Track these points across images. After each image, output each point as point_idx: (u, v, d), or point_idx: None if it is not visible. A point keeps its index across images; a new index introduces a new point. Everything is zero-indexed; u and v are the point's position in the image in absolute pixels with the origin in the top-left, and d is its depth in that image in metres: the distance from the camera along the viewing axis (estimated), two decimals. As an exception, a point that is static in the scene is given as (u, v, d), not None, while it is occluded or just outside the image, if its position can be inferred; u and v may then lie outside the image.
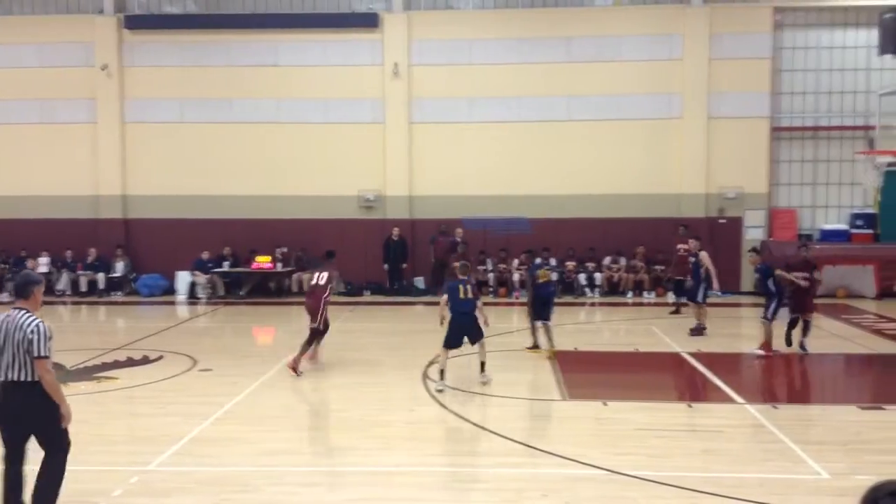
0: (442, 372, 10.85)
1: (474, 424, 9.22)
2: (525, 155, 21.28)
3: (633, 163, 21.02)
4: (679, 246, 17.08)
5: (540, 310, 13.01)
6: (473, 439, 8.79)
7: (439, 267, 19.91)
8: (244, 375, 11.67)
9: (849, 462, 8.00)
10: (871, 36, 19.31)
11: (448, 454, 8.23)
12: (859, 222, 20.82)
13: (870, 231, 20.66)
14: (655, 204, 20.90)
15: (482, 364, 11.23)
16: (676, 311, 17.20)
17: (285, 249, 21.26)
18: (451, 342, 10.99)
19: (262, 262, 20.80)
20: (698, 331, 14.80)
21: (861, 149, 19.13)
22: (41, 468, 6.05)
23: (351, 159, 21.54)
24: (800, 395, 11.51)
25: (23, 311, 5.96)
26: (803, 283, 12.92)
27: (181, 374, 11.90)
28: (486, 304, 19.21)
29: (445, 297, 11.15)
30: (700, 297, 14.93)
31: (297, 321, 18.21)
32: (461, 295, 10.98)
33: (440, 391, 10.63)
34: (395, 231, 20.82)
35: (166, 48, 21.82)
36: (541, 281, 13.13)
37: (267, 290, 20.95)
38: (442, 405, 10.07)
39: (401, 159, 21.49)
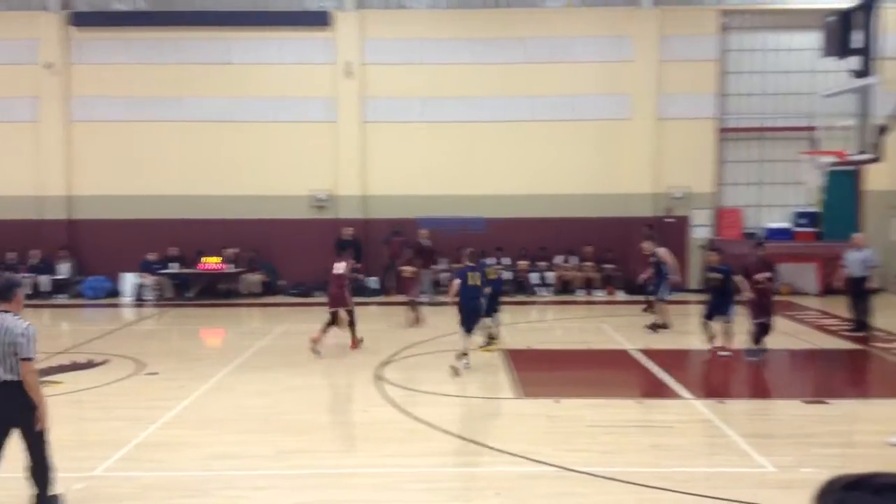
0: (464, 354, 11.78)
1: (428, 424, 9.22)
2: (479, 155, 21.36)
3: (584, 163, 21.23)
4: (643, 244, 17.25)
5: (486, 305, 12.98)
6: (427, 439, 8.79)
7: (393, 267, 19.85)
8: (193, 379, 11.49)
9: (793, 455, 8.18)
10: (815, 39, 19.73)
11: (402, 455, 8.21)
12: (802, 221, 21.33)
13: (813, 229, 21.18)
14: (606, 203, 21.15)
15: (490, 335, 12.93)
16: (649, 308, 17.19)
17: (237, 250, 20.99)
18: (467, 325, 12.01)
19: (211, 263, 20.51)
20: (656, 327, 15.07)
21: (804, 149, 19.54)
22: (30, 462, 6.43)
23: (303, 158, 21.38)
24: (746, 390, 11.74)
25: (9, 314, 6.30)
26: (767, 283, 12.51)
27: (127, 378, 11.67)
28: (441, 303, 19.28)
29: (458, 282, 12.02)
30: (661, 294, 15.20)
31: (248, 323, 18.08)
32: (470, 282, 11.99)
33: (467, 367, 11.69)
34: (348, 231, 20.68)
35: (115, 45, 21.37)
36: (490, 277, 13.15)
37: (216, 291, 20.66)
38: (395, 406, 10.05)
39: (353, 159, 21.40)
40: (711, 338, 12.98)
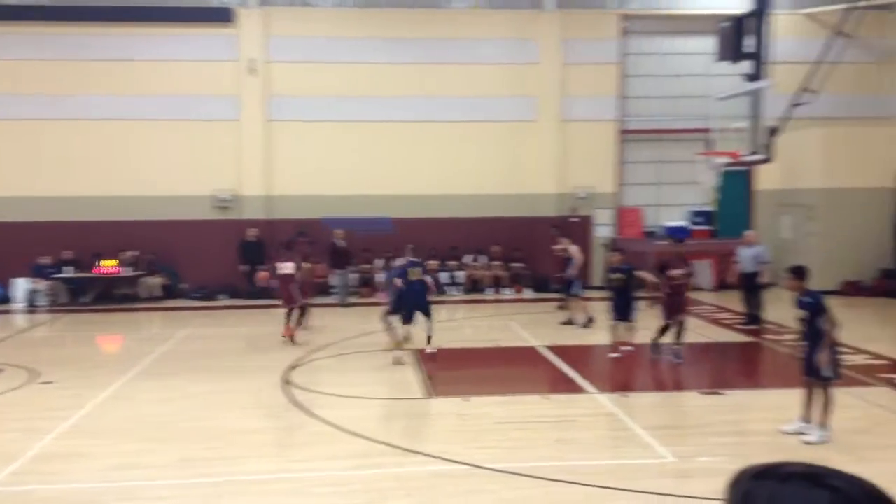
0: (405, 341, 12.61)
1: (337, 427, 9.13)
2: (387, 155, 21.30)
3: (491, 163, 21.46)
4: (554, 247, 17.31)
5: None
6: (335, 442, 8.70)
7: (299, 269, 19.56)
8: (90, 387, 11.05)
9: (691, 445, 8.49)
10: (710, 43, 20.52)
11: (309, 459, 8.10)
12: (698, 219, 22.16)
13: (708, 227, 22.03)
14: (513, 203, 21.44)
15: (429, 338, 12.97)
16: (563, 307, 17.42)
17: (136, 253, 20.28)
18: (406, 318, 12.77)
19: (108, 266, 19.78)
20: (575, 323, 15.54)
21: (700, 150, 20.29)
22: None
23: (205, 158, 20.85)
24: (647, 383, 12.09)
25: None
26: (683, 279, 12.39)
27: (20, 388, 11.13)
28: (353, 304, 19.13)
29: (399, 280, 12.82)
30: (576, 290, 15.80)
31: (147, 328, 17.52)
32: (411, 276, 12.76)
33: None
34: (252, 232, 20.30)
35: (7, 40, 20.32)
36: (411, 279, 13.17)
37: (114, 296, 19.92)
38: (303, 409, 9.92)
39: (257, 158, 21.00)
40: (617, 338, 13.11)
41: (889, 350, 13.29)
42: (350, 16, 21.33)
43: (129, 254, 20.19)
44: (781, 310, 16.65)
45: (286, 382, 11.33)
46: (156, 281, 20.37)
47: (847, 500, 1.06)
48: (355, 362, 12.65)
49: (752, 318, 15.75)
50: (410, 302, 12.83)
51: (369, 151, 21.25)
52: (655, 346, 12.67)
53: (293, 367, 12.29)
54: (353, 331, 14.76)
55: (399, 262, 20.40)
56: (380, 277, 19.95)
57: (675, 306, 12.39)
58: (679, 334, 12.46)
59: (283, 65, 21.02)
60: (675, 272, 12.36)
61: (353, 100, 21.17)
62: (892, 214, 19.98)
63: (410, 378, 11.64)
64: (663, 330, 12.59)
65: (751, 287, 15.70)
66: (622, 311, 12.81)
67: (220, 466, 7.87)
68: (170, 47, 20.69)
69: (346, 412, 9.82)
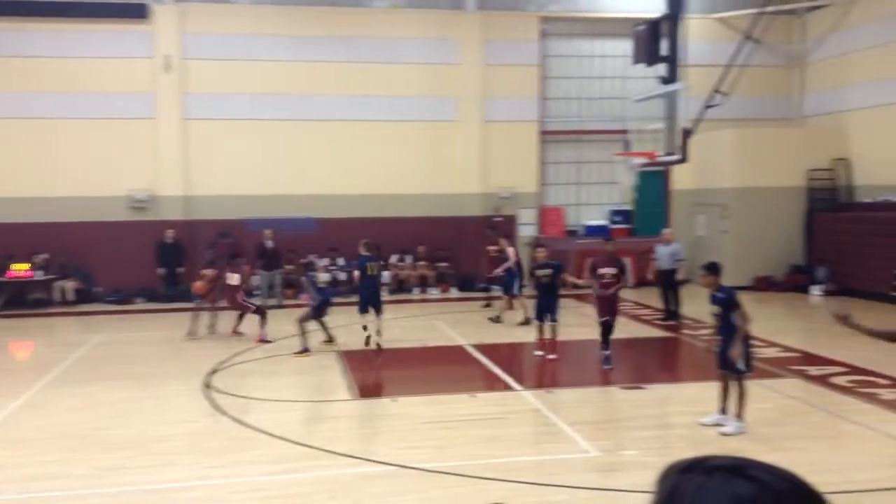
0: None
1: (260, 431, 8.99)
2: (309, 154, 21.05)
3: (415, 163, 21.45)
4: (490, 248, 17.53)
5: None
6: (260, 447, 8.56)
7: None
8: (2, 395, 10.59)
9: (615, 439, 8.68)
10: (627, 46, 20.99)
11: (233, 464, 7.95)
12: (617, 218, 22.64)
13: (627, 226, 22.53)
14: (438, 203, 21.47)
15: (378, 331, 13.37)
16: (488, 305, 17.79)
17: (47, 256, 19.52)
18: (361, 309, 13.43)
19: (19, 270, 18.99)
20: (521, 321, 15.53)
21: (618, 151, 20.73)
22: None
23: (120, 157, 20.19)
24: (570, 379, 12.26)
25: None
26: (612, 279, 12.13)
27: (-78, 399, 10.59)
28: (271, 307, 18.85)
29: (357, 273, 13.34)
30: (515, 290, 16.02)
31: (61, 334, 16.91)
32: (369, 272, 13.22)
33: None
34: (170, 233, 19.78)
35: None
36: (370, 273, 13.50)
37: (25, 301, 19.13)
38: (225, 414, 9.73)
39: (174, 157, 20.46)
40: (542, 336, 13.00)
41: (799, 342, 13.86)
42: (268, 13, 20.96)
43: (41, 257, 19.43)
44: (698, 305, 17.20)
45: (207, 387, 11.09)
46: (69, 284, 19.66)
47: (769, 492, 1.09)
48: (280, 365, 12.47)
49: (670, 314, 16.18)
50: (366, 296, 13.42)
51: (291, 151, 20.97)
52: (604, 358, 12.17)
53: (214, 372, 12.04)
54: (278, 333, 14.54)
55: (323, 262, 20.32)
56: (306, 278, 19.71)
57: (605, 306, 12.18)
58: (605, 336, 12.19)
59: (199, 62, 20.53)
60: (605, 271, 12.08)
61: (272, 98, 20.86)
62: (801, 212, 20.81)
63: (337, 380, 11.53)
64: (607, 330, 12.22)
65: (668, 284, 16.15)
66: (548, 309, 12.75)
67: (138, 475, 7.66)
68: (82, 44, 19.96)
69: (270, 416, 9.67)
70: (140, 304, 19.69)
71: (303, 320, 13.19)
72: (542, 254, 13.10)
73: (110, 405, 10.27)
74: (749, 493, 1.09)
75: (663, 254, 16.20)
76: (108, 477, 7.60)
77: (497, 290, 17.10)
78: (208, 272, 15.24)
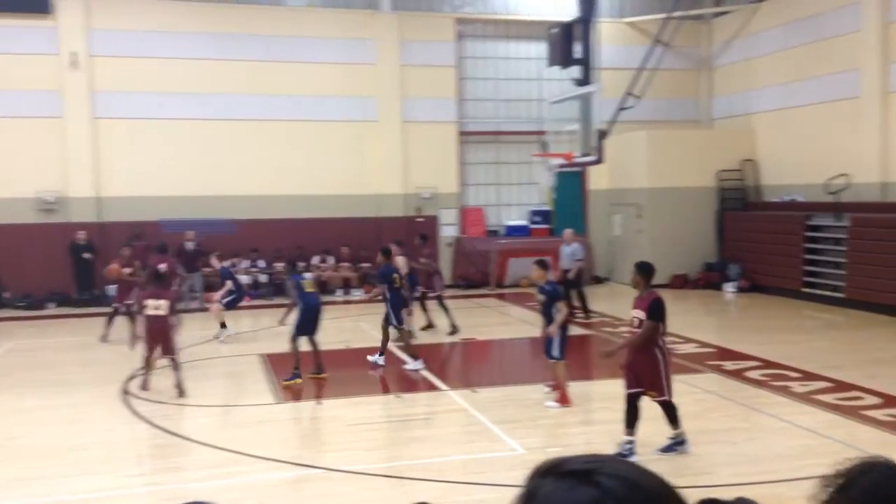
0: (298, 363, 11.11)
1: (183, 437, 8.79)
2: (226, 154, 20.61)
3: (334, 164, 21.27)
4: (421, 260, 15.58)
5: (309, 325, 11.51)
6: (182, 453, 8.38)
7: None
8: None
9: (540, 436, 8.83)
10: (542, 48, 21.33)
11: (153, 472, 7.76)
12: (537, 218, 22.96)
13: (546, 226, 22.88)
14: (358, 204, 21.35)
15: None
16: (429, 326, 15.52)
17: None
18: (304, 330, 11.35)
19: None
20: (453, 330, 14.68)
21: (536, 152, 21.02)
22: None
23: (25, 157, 19.33)
24: (495, 378, 12.41)
25: None
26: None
27: None
28: (192, 311, 18.43)
29: (296, 291, 11.44)
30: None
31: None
32: (308, 288, 11.52)
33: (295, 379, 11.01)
34: (82, 235, 19.09)
35: None
36: (308, 290, 11.65)
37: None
38: (146, 421, 9.46)
39: (84, 157, 19.74)
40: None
41: (714, 338, 14.36)
42: (180, 9, 20.39)
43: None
44: (619, 303, 17.63)
45: (125, 393, 10.77)
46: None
47: (610, 498, 1.09)
48: (201, 370, 12.20)
49: (587, 312, 16.43)
50: (313, 318, 11.48)
51: (208, 151, 20.50)
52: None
53: (132, 378, 11.69)
54: (196, 337, 14.22)
55: (244, 265, 19.95)
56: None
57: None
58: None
59: (108, 59, 19.84)
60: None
61: (188, 97, 20.37)
62: (713, 212, 21.53)
63: (260, 384, 11.35)
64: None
65: (568, 283, 16.11)
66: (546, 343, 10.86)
67: (52, 486, 7.41)
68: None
69: (192, 421, 9.48)
70: (52, 310, 18.95)
71: (293, 339, 11.43)
72: (536, 272, 10.22)
73: (24, 413, 9.89)
74: (588, 499, 1.08)
75: (564, 253, 16.50)
76: (20, 488, 7.32)
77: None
78: (125, 252, 14.81)
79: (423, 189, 22.01)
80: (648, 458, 7.52)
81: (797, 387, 10.54)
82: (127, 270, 14.54)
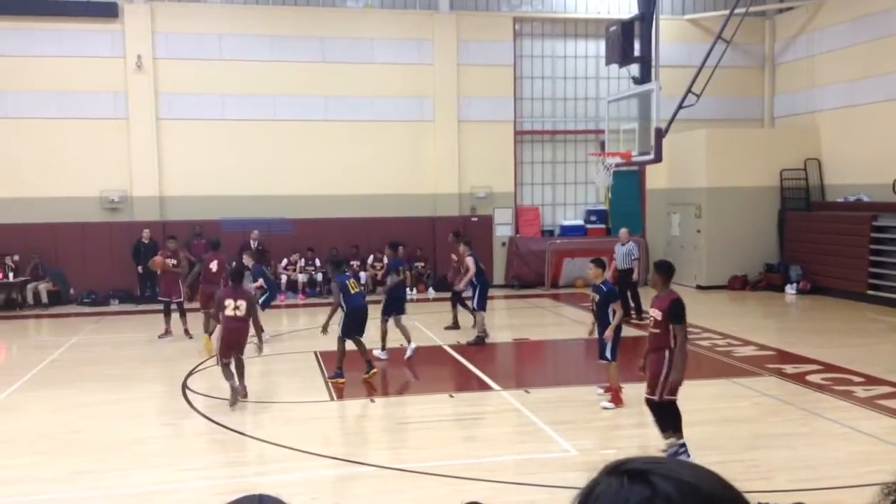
0: (341, 363, 11.14)
1: (240, 433, 8.94)
2: (284, 154, 20.94)
3: (390, 163, 21.41)
4: (454, 256, 15.79)
5: (355, 327, 11.47)
6: (239, 449, 8.52)
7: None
8: (-27, 400, 10.46)
9: (593, 438, 8.73)
10: (599, 46, 21.12)
11: (212, 467, 7.90)
12: (593, 218, 22.75)
13: (602, 226, 22.65)
14: (414, 203, 21.46)
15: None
16: (453, 326, 15.54)
17: (16, 258, 19.24)
18: (350, 333, 11.23)
19: (-10, 272, 18.71)
20: (477, 341, 13.95)
21: (593, 151, 20.83)
22: None
23: (92, 157, 19.95)
24: (548, 378, 12.35)
25: None
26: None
27: None
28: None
29: (341, 294, 11.19)
30: (475, 304, 14.07)
31: (35, 336, 16.71)
32: (352, 289, 11.37)
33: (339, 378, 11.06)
34: (146, 233, 19.59)
35: None
36: (354, 291, 11.54)
37: (-4, 303, 18.88)
38: (203, 416, 9.66)
39: (148, 157, 20.28)
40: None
41: (774, 341, 14.02)
42: (241, 13, 20.80)
43: (13, 258, 19.16)
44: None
45: (185, 389, 11.01)
46: (42, 286, 19.41)
47: (660, 498, 1.07)
48: (260, 366, 12.40)
49: (637, 312, 16.14)
50: (360, 320, 11.41)
51: (266, 151, 20.85)
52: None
53: (192, 374, 11.95)
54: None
55: (300, 263, 20.23)
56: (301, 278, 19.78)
57: None
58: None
59: (171, 62, 20.35)
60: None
61: (248, 98, 20.73)
62: (774, 212, 21.05)
63: (316, 381, 11.49)
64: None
65: (625, 283, 15.97)
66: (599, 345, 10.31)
67: (111, 479, 7.59)
68: (52, 42, 19.71)
69: (251, 417, 9.63)
70: (115, 306, 19.50)
71: (340, 340, 11.36)
72: (593, 271, 10.07)
73: (85, 408, 10.17)
74: (637, 499, 1.08)
75: (620, 253, 16.29)
76: (82, 480, 7.53)
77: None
78: (171, 244, 15.12)
79: (479, 188, 22.00)
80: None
81: (859, 391, 10.24)
82: (171, 262, 14.84)
